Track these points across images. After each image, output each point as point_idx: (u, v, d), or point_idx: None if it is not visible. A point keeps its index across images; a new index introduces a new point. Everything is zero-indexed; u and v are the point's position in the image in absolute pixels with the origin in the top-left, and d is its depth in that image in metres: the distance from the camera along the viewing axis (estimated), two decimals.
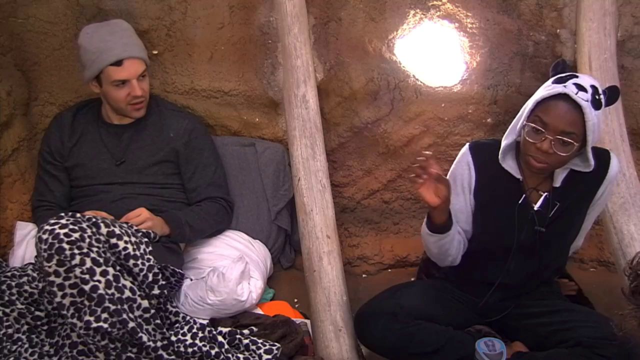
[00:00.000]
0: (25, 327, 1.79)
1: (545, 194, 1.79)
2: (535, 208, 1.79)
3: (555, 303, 1.89)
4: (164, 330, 1.73)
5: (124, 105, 2.13)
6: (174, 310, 1.87)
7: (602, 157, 1.77)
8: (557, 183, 1.77)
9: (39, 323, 1.81)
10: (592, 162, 1.69)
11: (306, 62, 2.26)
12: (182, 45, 2.36)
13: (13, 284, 1.83)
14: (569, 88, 1.60)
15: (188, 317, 1.90)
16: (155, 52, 2.35)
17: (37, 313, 1.81)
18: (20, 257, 2.16)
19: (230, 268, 2.04)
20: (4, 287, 1.82)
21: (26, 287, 1.83)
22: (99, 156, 2.20)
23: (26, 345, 1.76)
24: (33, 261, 2.04)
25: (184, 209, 2.21)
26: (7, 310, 1.79)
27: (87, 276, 1.59)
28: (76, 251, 1.60)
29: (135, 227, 1.86)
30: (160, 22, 2.32)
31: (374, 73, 2.35)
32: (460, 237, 1.85)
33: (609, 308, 2.04)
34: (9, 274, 1.88)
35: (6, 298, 1.80)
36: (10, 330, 1.76)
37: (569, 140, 1.61)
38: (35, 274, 1.88)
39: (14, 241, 2.22)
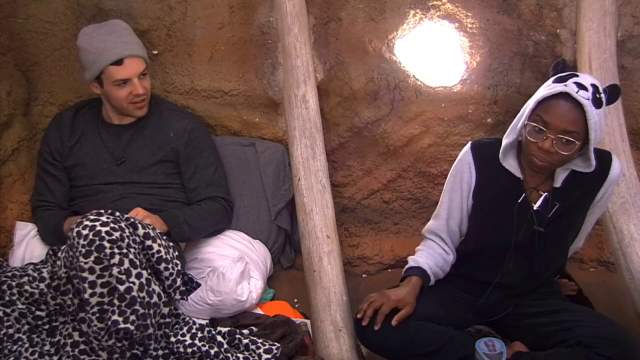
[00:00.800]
0: (26, 327, 1.79)
1: (545, 193, 1.79)
2: (535, 208, 1.80)
3: (555, 303, 1.89)
4: (168, 339, 1.73)
5: (125, 104, 2.12)
6: (174, 312, 1.87)
7: (604, 158, 1.77)
8: (558, 183, 1.77)
9: (39, 323, 1.81)
10: (594, 162, 1.69)
11: (306, 62, 2.26)
12: (182, 45, 2.36)
13: (14, 284, 1.83)
14: (570, 87, 1.60)
15: (187, 318, 1.90)
16: (155, 52, 2.35)
17: (37, 313, 1.81)
18: (20, 257, 2.16)
19: (230, 268, 2.04)
20: (4, 287, 1.82)
21: (27, 287, 1.83)
22: (99, 156, 2.20)
23: (27, 345, 1.76)
24: (33, 261, 2.04)
25: (184, 209, 2.21)
26: (8, 310, 1.79)
27: (124, 277, 1.58)
28: (116, 250, 1.59)
29: (158, 231, 1.85)
30: (160, 22, 2.32)
31: (374, 73, 2.35)
32: (443, 268, 1.92)
33: (609, 308, 2.04)
34: (9, 274, 1.89)
35: (7, 298, 1.80)
36: (10, 330, 1.76)
37: (571, 139, 1.61)
38: (35, 274, 1.88)
39: (14, 241, 2.22)
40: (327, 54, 2.37)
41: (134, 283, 1.59)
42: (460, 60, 2.34)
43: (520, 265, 1.84)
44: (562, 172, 1.76)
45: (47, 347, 1.77)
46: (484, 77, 2.35)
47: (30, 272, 1.89)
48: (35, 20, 2.27)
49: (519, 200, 1.79)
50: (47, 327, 1.82)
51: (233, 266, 2.05)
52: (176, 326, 1.84)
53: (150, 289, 1.64)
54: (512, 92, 2.36)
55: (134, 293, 1.59)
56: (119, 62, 2.04)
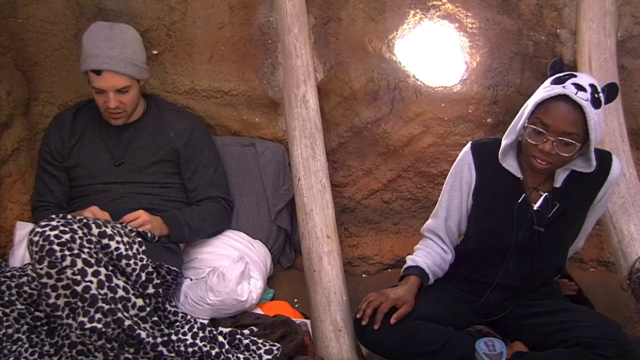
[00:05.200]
0: (25, 327, 1.79)
1: (546, 194, 1.79)
2: (535, 208, 1.80)
3: (555, 303, 1.89)
4: (162, 327, 1.73)
5: (102, 110, 2.13)
6: (172, 309, 1.87)
7: (604, 158, 1.77)
8: (558, 183, 1.77)
9: (38, 323, 1.81)
10: (594, 162, 1.69)
11: (306, 62, 2.26)
12: (182, 45, 2.36)
13: (13, 284, 1.83)
14: (569, 88, 1.60)
15: (188, 316, 1.90)
16: (155, 52, 2.35)
17: (36, 313, 1.81)
18: (20, 257, 2.15)
19: (230, 268, 2.04)
20: (3, 287, 1.82)
21: (26, 288, 1.83)
22: (99, 156, 2.20)
23: (26, 345, 1.76)
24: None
25: (184, 209, 2.21)
26: (7, 311, 1.79)
27: (78, 277, 1.59)
28: (67, 252, 1.60)
29: (129, 228, 1.86)
30: (160, 22, 2.32)
31: (374, 73, 2.35)
32: (442, 267, 1.92)
33: (609, 308, 2.04)
34: (8, 274, 1.88)
35: (6, 298, 1.80)
36: (10, 331, 1.76)
37: (571, 140, 1.61)
38: (34, 274, 1.88)
39: (14, 241, 2.21)
40: (327, 54, 2.37)
41: (91, 282, 1.60)
42: (460, 60, 2.34)
43: (520, 266, 1.84)
44: (562, 173, 1.76)
45: (46, 348, 1.77)
46: (484, 77, 2.34)
47: (29, 272, 1.88)
48: (35, 20, 2.27)
49: (519, 201, 1.79)
50: (46, 327, 1.81)
51: (233, 266, 2.05)
52: (177, 324, 1.84)
53: (113, 285, 1.64)
54: (512, 92, 2.36)
55: (94, 291, 1.59)
56: (97, 72, 2.03)
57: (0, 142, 2.25)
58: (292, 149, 2.25)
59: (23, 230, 2.23)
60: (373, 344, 1.84)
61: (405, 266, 1.91)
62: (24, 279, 1.85)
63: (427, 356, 1.77)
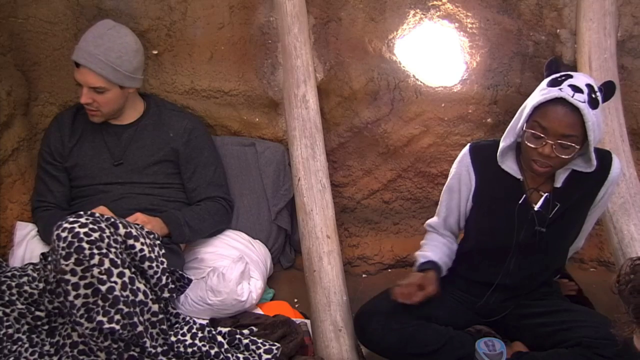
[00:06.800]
0: (26, 327, 1.80)
1: (546, 194, 1.79)
2: (536, 208, 1.80)
3: (555, 303, 1.89)
4: (167, 337, 1.73)
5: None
6: (174, 311, 1.88)
7: (604, 158, 1.77)
8: (558, 184, 1.77)
9: (39, 323, 1.81)
10: (595, 162, 1.69)
11: (306, 62, 2.26)
12: (182, 45, 2.36)
13: (13, 284, 1.83)
14: (565, 91, 1.59)
15: (188, 318, 1.90)
16: (155, 52, 2.35)
17: (37, 313, 1.81)
18: (20, 257, 2.16)
19: (230, 268, 2.04)
20: (4, 287, 1.82)
21: (26, 288, 1.83)
22: (99, 156, 2.20)
23: (26, 345, 1.76)
24: (33, 261, 2.04)
25: (184, 209, 2.21)
26: (8, 311, 1.79)
27: (104, 277, 1.59)
28: (95, 251, 1.59)
29: (146, 230, 1.86)
30: (160, 22, 2.32)
31: (374, 73, 2.35)
32: (451, 257, 1.93)
33: (609, 308, 2.04)
34: (9, 274, 1.89)
35: (6, 298, 1.80)
36: (10, 330, 1.76)
37: (570, 143, 1.61)
38: (35, 274, 1.88)
39: (14, 241, 2.22)
40: (327, 54, 2.37)
41: (116, 282, 1.60)
42: (460, 60, 2.34)
43: (521, 266, 1.84)
44: (563, 173, 1.76)
45: (46, 348, 1.77)
46: (484, 77, 2.34)
47: (29, 272, 1.89)
48: (35, 20, 2.27)
49: (520, 201, 1.79)
50: (46, 327, 1.81)
51: (233, 266, 2.05)
52: (176, 326, 1.84)
53: (135, 287, 1.64)
54: (512, 92, 2.36)
55: (117, 292, 1.59)
56: (77, 65, 2.05)
57: (0, 142, 2.25)
58: (292, 149, 2.25)
59: (23, 230, 2.23)
60: (373, 344, 1.84)
61: (419, 262, 1.89)
62: (25, 278, 1.85)
63: (427, 356, 1.78)
